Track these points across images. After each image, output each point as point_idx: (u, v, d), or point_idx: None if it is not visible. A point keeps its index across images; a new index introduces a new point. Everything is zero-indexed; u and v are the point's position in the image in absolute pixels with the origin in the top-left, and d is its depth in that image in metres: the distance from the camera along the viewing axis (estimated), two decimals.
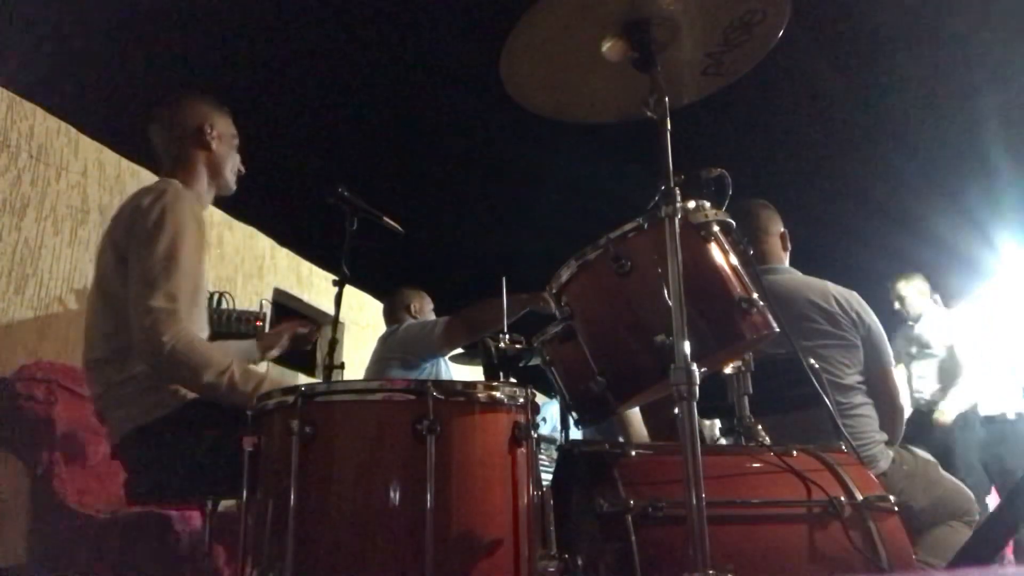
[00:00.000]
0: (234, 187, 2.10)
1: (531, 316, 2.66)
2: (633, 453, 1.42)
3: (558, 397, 1.56)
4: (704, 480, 1.10)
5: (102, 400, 1.81)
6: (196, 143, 2.00)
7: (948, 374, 4.22)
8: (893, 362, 2.31)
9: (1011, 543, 3.34)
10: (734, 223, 1.50)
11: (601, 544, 1.27)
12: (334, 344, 2.33)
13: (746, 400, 1.63)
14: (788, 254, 2.48)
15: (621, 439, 2.70)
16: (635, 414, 2.41)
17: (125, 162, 3.65)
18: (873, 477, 1.53)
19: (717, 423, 2.71)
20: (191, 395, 1.76)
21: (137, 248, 1.73)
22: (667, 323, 1.19)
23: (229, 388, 1.65)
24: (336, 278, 2.36)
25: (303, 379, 4.89)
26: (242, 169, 2.11)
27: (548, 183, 4.14)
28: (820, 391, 1.65)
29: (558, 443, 1.54)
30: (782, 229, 2.46)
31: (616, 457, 1.40)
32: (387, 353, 3.24)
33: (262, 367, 2.31)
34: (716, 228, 1.46)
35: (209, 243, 1.98)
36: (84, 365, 1.87)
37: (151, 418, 1.74)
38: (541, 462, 1.51)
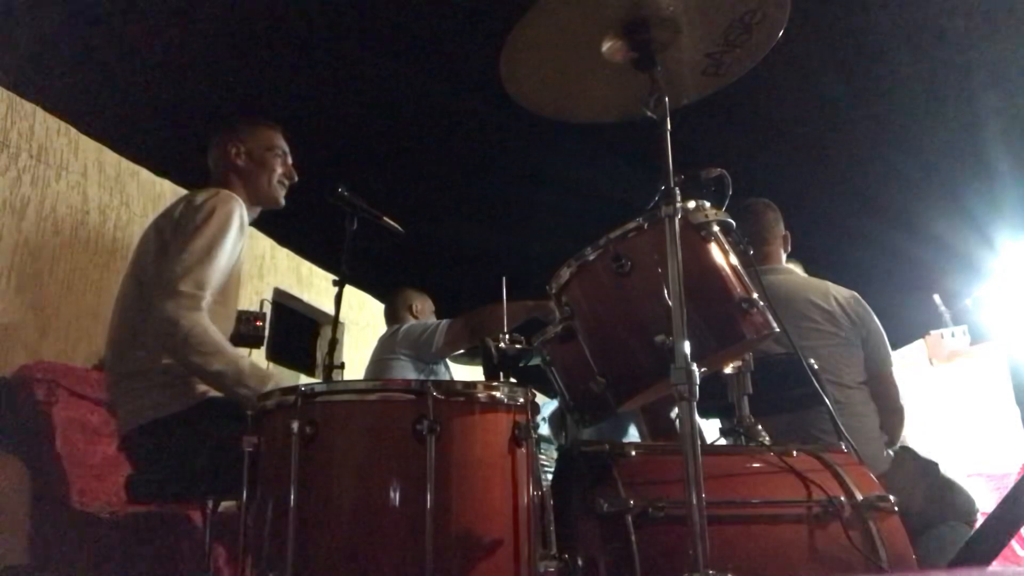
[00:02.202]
0: (279, 198, 2.18)
1: (532, 317, 2.66)
2: (633, 453, 1.42)
3: (558, 397, 1.56)
4: (704, 480, 1.10)
5: (115, 390, 1.85)
6: (225, 161, 2.13)
7: None
8: (893, 362, 2.31)
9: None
10: (734, 223, 1.50)
11: (601, 544, 1.27)
12: (334, 344, 2.34)
13: (746, 400, 1.63)
14: (786, 255, 2.49)
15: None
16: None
17: (125, 162, 3.65)
18: (873, 477, 1.52)
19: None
20: (202, 396, 1.79)
21: (181, 237, 1.82)
22: (667, 323, 1.19)
23: (235, 380, 1.69)
24: (336, 278, 2.36)
25: (303, 379, 4.89)
26: (293, 179, 2.19)
27: (548, 183, 4.14)
28: (820, 391, 1.65)
29: (558, 444, 1.54)
30: (785, 232, 2.47)
31: (616, 457, 1.40)
32: (386, 353, 3.24)
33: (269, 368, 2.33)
34: (716, 228, 1.46)
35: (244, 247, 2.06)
36: (106, 349, 1.94)
37: (160, 415, 1.76)
38: (541, 462, 1.52)
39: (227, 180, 2.10)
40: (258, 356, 4.08)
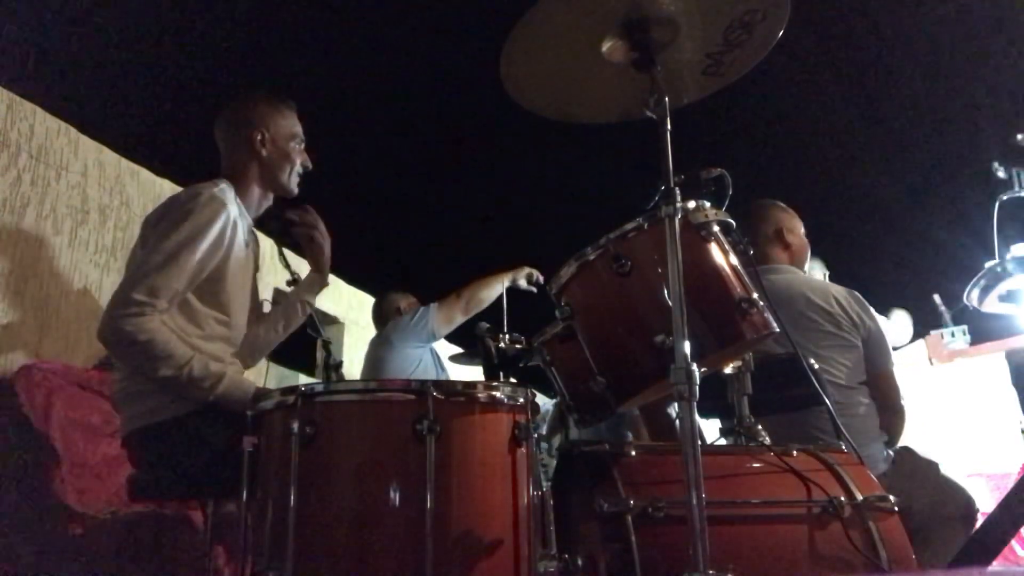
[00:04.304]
0: (295, 189, 2.07)
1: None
2: (633, 453, 1.42)
3: (558, 397, 1.56)
4: (704, 480, 1.10)
5: (119, 389, 1.84)
6: (247, 149, 1.99)
7: None
8: (894, 362, 2.31)
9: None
10: (734, 223, 1.50)
11: (601, 544, 1.27)
12: (329, 344, 2.35)
13: (746, 400, 1.63)
14: (790, 251, 2.42)
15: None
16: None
17: (125, 162, 3.65)
18: (873, 477, 1.52)
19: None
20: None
21: (153, 238, 1.77)
22: (667, 323, 1.20)
23: (187, 383, 1.69)
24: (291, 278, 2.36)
25: (303, 379, 4.89)
26: (308, 167, 2.07)
27: (548, 183, 4.15)
28: (820, 391, 1.65)
29: (558, 444, 1.54)
30: (779, 226, 2.42)
31: (616, 457, 1.40)
32: (380, 351, 3.26)
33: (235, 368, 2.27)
34: (716, 228, 1.46)
35: (241, 251, 1.97)
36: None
37: (162, 417, 1.75)
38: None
39: (245, 167, 1.99)
40: None
